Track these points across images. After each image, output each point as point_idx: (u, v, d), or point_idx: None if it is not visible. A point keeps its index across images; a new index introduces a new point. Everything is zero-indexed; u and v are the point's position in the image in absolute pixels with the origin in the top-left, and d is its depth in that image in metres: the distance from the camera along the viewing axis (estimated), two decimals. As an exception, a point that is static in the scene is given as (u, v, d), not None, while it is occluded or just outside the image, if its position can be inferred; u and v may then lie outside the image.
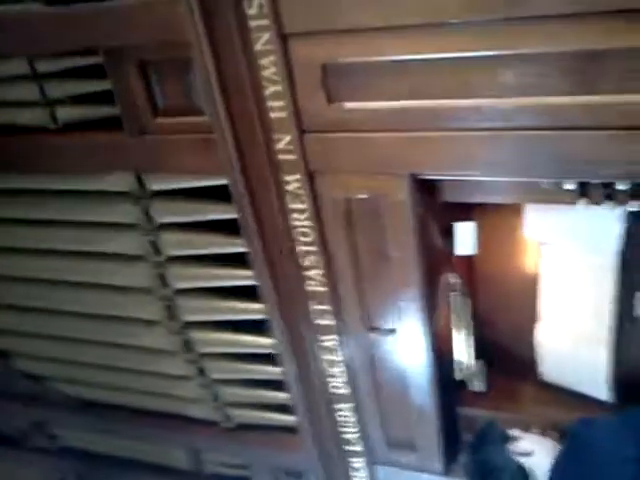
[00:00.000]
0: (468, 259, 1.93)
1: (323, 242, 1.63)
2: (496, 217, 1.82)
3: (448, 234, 1.76)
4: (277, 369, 2.07)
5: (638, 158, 1.22)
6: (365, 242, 1.61)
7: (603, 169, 1.26)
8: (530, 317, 1.88)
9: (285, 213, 1.61)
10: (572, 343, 1.78)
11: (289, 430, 2.26)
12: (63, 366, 2.53)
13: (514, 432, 1.60)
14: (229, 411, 2.34)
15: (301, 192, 1.55)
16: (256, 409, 2.29)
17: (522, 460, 1.54)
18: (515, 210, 1.74)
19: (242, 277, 1.89)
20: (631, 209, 1.37)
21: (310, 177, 1.53)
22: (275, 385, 2.16)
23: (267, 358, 2.08)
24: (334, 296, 1.74)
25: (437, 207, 1.64)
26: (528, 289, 1.88)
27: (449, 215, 1.74)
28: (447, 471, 2.08)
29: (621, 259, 1.61)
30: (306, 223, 1.61)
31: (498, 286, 1.94)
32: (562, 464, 1.42)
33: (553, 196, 1.44)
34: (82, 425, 2.74)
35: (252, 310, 1.96)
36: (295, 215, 1.60)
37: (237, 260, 1.86)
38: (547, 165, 1.31)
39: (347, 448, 2.15)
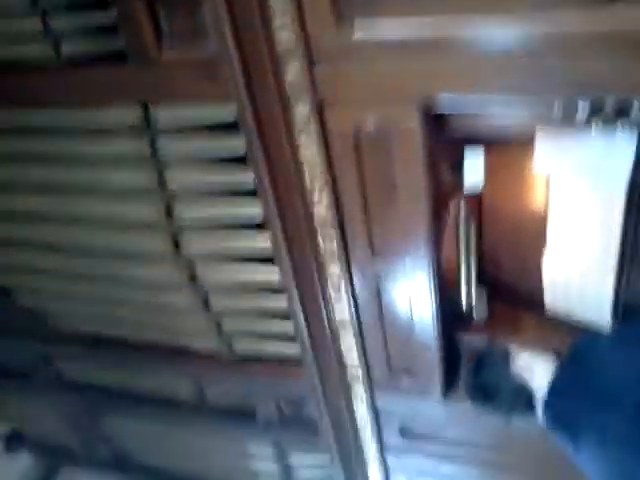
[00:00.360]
0: (476, 197, 1.97)
1: (331, 174, 1.65)
2: (505, 153, 1.83)
3: (457, 168, 1.79)
4: (282, 297, 2.11)
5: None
6: (373, 173, 1.62)
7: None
8: (537, 251, 1.91)
9: (293, 146, 1.61)
10: (579, 273, 1.82)
11: (292, 360, 2.32)
12: (66, 301, 2.55)
13: (515, 351, 1.64)
14: (233, 343, 2.39)
15: (309, 124, 1.55)
16: (260, 340, 2.34)
17: (523, 379, 1.60)
18: (524, 146, 1.74)
19: (250, 210, 1.92)
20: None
21: (319, 108, 1.52)
22: (279, 316, 2.22)
23: (272, 289, 2.13)
24: (340, 223, 1.76)
25: (447, 141, 1.66)
26: (536, 224, 1.91)
27: (458, 150, 1.76)
28: (447, 396, 2.17)
29: (631, 189, 1.63)
30: (315, 156, 1.62)
31: (505, 222, 1.96)
32: (563, 377, 1.47)
33: (564, 123, 1.45)
34: (88, 359, 2.80)
35: (257, 243, 1.99)
36: (303, 148, 1.61)
37: (245, 194, 1.88)
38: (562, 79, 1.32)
39: (349, 374, 2.22)
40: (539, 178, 1.84)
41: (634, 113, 1.37)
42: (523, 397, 1.59)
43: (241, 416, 2.70)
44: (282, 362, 2.37)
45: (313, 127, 1.55)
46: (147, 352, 2.60)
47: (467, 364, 1.80)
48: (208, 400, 2.76)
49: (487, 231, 1.98)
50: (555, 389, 1.48)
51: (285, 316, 2.17)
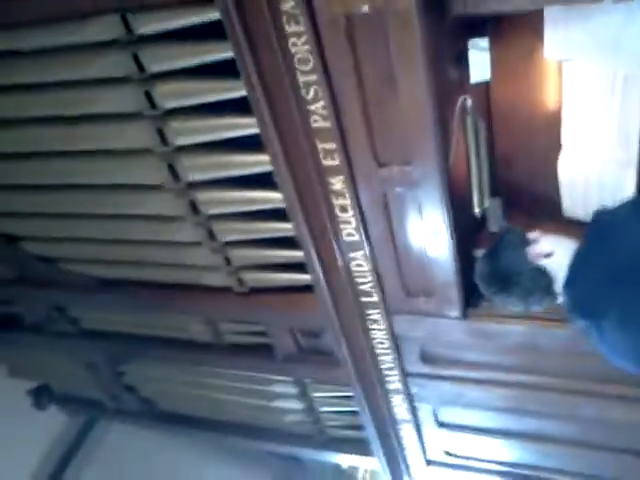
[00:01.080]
0: (484, 92, 1.83)
1: (325, 69, 1.53)
2: (512, 40, 1.69)
3: (461, 61, 1.66)
4: (288, 225, 2.02)
5: None
6: (369, 65, 1.50)
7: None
8: (552, 150, 1.78)
9: (283, 38, 1.49)
10: (598, 169, 1.70)
11: (304, 289, 2.24)
12: (73, 245, 2.50)
13: (533, 235, 1.53)
14: (243, 275, 2.31)
15: (297, 11, 1.43)
16: (269, 270, 2.26)
17: (542, 262, 1.48)
18: (532, 30, 1.60)
19: (244, 126, 1.81)
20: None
21: (307, -9, 1.41)
22: (287, 244, 2.13)
23: (277, 215, 2.03)
24: (340, 131, 1.65)
25: (448, 29, 1.52)
26: (549, 121, 1.78)
27: (461, 37, 1.62)
28: (466, 315, 2.07)
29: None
30: (305, 48, 1.50)
31: (517, 123, 1.84)
32: (583, 254, 1.36)
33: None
34: (100, 305, 2.76)
35: (257, 162, 1.89)
36: (293, 40, 1.49)
37: (238, 108, 1.77)
38: None
39: (364, 299, 2.13)
40: (551, 69, 1.71)
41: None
42: (541, 281, 1.48)
43: (259, 353, 2.63)
44: (295, 291, 2.28)
45: (302, 12, 1.42)
46: (158, 291, 2.54)
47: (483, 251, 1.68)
48: (224, 339, 2.69)
49: (498, 134, 1.86)
50: (576, 267, 1.37)
51: (293, 243, 2.08)
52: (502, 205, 1.89)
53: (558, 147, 1.75)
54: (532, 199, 1.96)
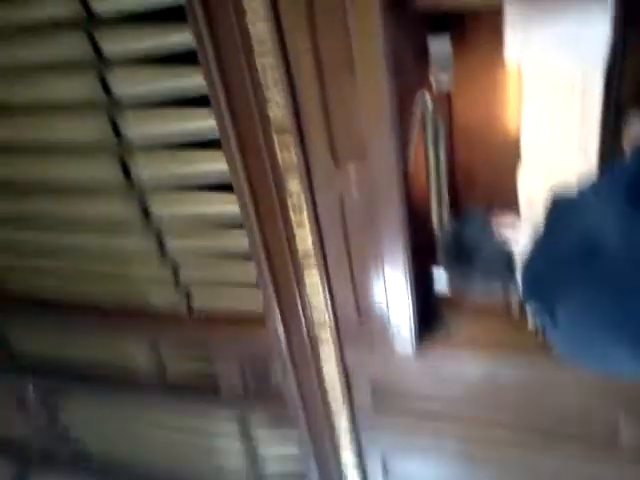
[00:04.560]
0: (446, 102, 1.81)
1: (283, 50, 1.49)
2: (474, 48, 1.70)
3: (423, 57, 1.64)
4: (241, 233, 1.93)
5: None
6: (328, 51, 1.47)
7: None
8: (512, 163, 1.76)
9: (240, 14, 1.46)
10: (556, 181, 1.65)
11: (255, 315, 2.12)
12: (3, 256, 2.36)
13: (498, 215, 1.50)
14: (191, 291, 2.20)
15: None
16: (220, 288, 2.15)
17: (504, 243, 1.44)
18: (494, 38, 1.59)
19: (200, 117, 1.75)
20: None
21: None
22: (240, 256, 2.03)
23: (231, 223, 1.95)
24: (298, 123, 1.60)
25: (409, 16, 1.51)
26: (509, 132, 1.78)
27: (423, 35, 1.62)
28: (420, 347, 1.96)
29: (609, 74, 1.50)
30: (262, 26, 1.46)
31: (476, 132, 1.82)
32: (542, 233, 1.31)
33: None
34: (37, 327, 2.58)
35: (212, 159, 1.83)
36: (250, 15, 1.46)
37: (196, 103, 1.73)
38: None
39: (316, 326, 2.01)
40: (512, 80, 1.71)
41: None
42: (503, 257, 1.44)
43: (203, 387, 2.46)
44: (244, 317, 2.17)
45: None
46: (101, 314, 2.38)
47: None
48: (167, 373, 2.52)
49: (458, 146, 1.83)
50: (533, 248, 1.31)
51: (246, 256, 1.98)
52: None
53: (518, 159, 1.71)
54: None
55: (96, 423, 2.96)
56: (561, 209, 1.30)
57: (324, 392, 2.18)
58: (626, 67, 1.59)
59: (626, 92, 1.61)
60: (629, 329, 1.18)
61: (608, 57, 1.49)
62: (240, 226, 1.91)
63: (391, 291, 1.85)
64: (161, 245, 2.08)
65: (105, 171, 1.94)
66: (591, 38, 1.42)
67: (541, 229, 1.32)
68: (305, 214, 1.77)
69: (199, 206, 1.95)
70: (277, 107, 1.58)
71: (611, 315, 1.18)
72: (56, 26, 1.70)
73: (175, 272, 2.14)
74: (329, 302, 1.94)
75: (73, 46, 1.72)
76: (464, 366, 1.94)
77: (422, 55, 1.61)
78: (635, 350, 1.21)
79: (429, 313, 1.99)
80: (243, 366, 2.35)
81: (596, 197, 1.24)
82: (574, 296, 1.20)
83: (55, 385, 2.83)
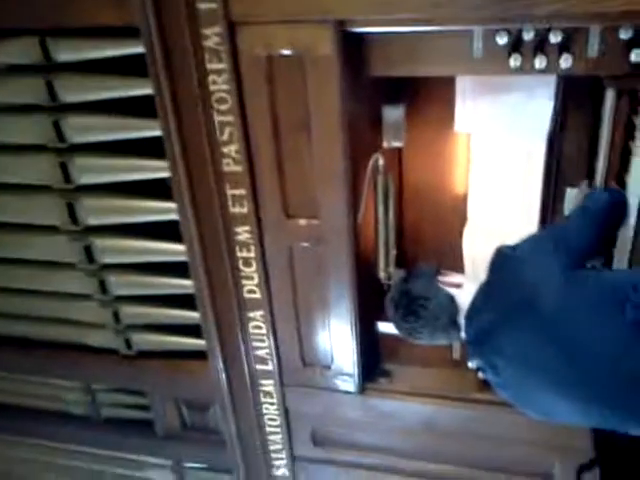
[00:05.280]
0: (397, 161, 1.90)
1: (242, 110, 1.53)
2: (426, 112, 1.79)
3: (376, 121, 1.72)
4: (186, 281, 1.94)
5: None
6: (286, 110, 1.52)
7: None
8: (458, 223, 1.85)
9: (203, 73, 1.50)
10: (500, 242, 1.77)
11: (195, 355, 2.11)
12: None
13: (445, 271, 1.57)
14: (131, 335, 2.16)
15: (221, 48, 1.44)
16: (160, 332, 2.13)
17: (450, 291, 1.51)
18: (445, 104, 1.70)
19: (153, 169, 1.76)
20: (564, 65, 1.34)
21: (231, 30, 1.42)
22: (182, 304, 2.03)
23: (175, 269, 1.95)
24: (251, 178, 1.63)
25: (365, 82, 1.58)
26: (457, 193, 1.87)
27: (378, 101, 1.69)
28: (363, 390, 2.00)
29: (551, 145, 1.61)
30: (224, 87, 1.50)
31: (425, 191, 1.91)
32: (485, 287, 1.39)
33: (485, 66, 1.40)
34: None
35: (162, 210, 1.83)
36: (213, 77, 1.50)
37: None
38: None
39: (258, 367, 2.03)
40: (460, 144, 1.81)
41: (550, 49, 1.36)
42: (449, 309, 1.50)
43: (138, 428, 2.42)
44: (185, 357, 2.15)
45: (225, 49, 1.44)
46: (35, 351, 2.32)
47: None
48: (101, 411, 2.47)
49: (407, 204, 1.91)
50: (476, 301, 1.39)
51: (188, 303, 1.98)
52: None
53: (464, 220, 1.81)
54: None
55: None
56: (504, 259, 1.39)
57: (263, 435, 2.20)
58: (566, 136, 1.71)
59: (566, 159, 1.74)
60: (568, 387, 1.28)
61: (550, 128, 1.61)
62: (185, 270, 1.92)
63: (336, 340, 1.90)
64: (103, 287, 2.05)
65: (50, 212, 1.91)
66: (536, 112, 1.54)
67: (484, 283, 1.41)
68: (254, 262, 1.81)
69: (143, 253, 1.95)
70: (233, 162, 1.62)
71: (551, 374, 1.27)
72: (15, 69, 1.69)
73: (116, 315, 2.11)
74: (273, 347, 1.97)
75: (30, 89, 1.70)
76: (404, 410, 2.00)
77: (376, 122, 1.68)
78: (575, 405, 1.30)
79: (373, 361, 2.04)
80: (180, 407, 2.33)
81: (536, 253, 1.34)
82: (515, 355, 1.28)
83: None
